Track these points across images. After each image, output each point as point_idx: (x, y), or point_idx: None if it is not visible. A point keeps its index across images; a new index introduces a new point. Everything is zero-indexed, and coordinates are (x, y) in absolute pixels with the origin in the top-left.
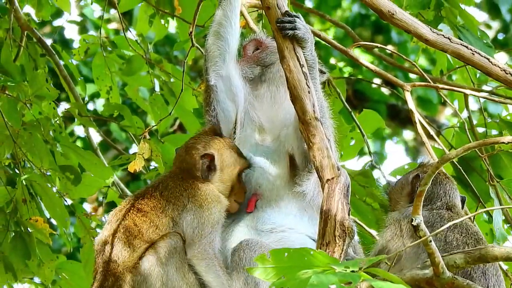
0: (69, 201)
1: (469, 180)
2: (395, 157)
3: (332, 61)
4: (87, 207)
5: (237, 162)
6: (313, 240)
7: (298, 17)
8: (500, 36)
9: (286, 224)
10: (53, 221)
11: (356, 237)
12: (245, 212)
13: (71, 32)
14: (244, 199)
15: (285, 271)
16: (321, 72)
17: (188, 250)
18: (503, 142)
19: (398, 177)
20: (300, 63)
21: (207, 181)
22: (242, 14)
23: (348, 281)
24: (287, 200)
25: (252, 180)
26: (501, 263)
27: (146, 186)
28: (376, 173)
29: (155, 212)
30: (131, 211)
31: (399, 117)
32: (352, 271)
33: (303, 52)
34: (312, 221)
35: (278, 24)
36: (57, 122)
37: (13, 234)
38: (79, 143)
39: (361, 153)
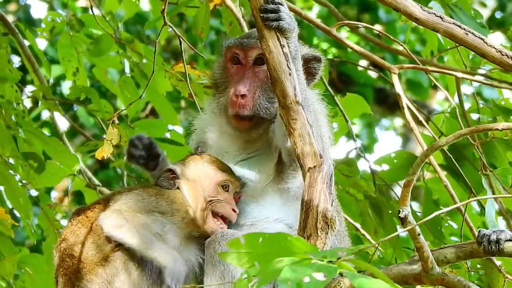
0: (34, 191)
1: (460, 170)
2: (384, 144)
3: (315, 41)
4: (55, 195)
5: (213, 173)
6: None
7: (281, 4)
8: (498, 15)
9: (270, 215)
10: (16, 212)
11: (345, 229)
12: None
13: (39, 11)
14: (229, 215)
15: (260, 258)
16: (316, 59)
17: (105, 219)
18: (497, 129)
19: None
20: (280, 43)
21: (176, 189)
22: None
23: (324, 273)
24: (272, 193)
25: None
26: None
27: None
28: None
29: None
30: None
31: (387, 102)
32: (330, 262)
33: (287, 43)
34: (297, 212)
35: (261, 15)
36: (20, 106)
37: None
38: (45, 129)
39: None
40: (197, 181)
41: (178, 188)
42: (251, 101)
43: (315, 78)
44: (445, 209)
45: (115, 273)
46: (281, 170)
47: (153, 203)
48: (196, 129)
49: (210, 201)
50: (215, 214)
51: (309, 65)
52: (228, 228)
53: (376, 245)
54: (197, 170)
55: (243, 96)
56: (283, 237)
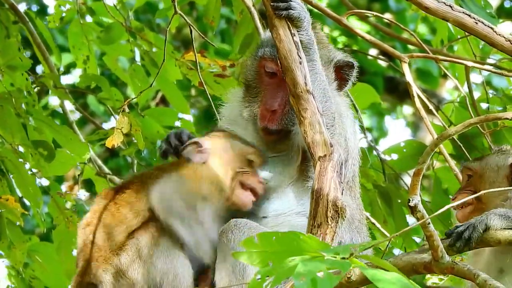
0: (44, 180)
1: (470, 159)
2: (394, 133)
3: (325, 30)
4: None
5: (240, 146)
6: None
7: None
8: (507, 4)
9: (292, 208)
10: (26, 200)
11: (365, 226)
12: None
13: None
14: (261, 192)
15: (273, 256)
16: (349, 65)
17: (163, 214)
18: (507, 118)
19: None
20: (291, 32)
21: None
22: None
23: (338, 268)
24: (296, 191)
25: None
26: None
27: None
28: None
29: (135, 188)
30: (118, 192)
31: (398, 91)
32: (343, 258)
33: (298, 32)
34: None
35: (271, 4)
36: (30, 94)
37: None
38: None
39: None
40: (225, 154)
41: (205, 162)
42: (280, 116)
43: (347, 84)
44: (457, 202)
45: (129, 262)
46: (304, 170)
47: (195, 188)
48: (223, 118)
49: (238, 172)
50: (243, 185)
51: (341, 71)
52: (252, 218)
53: (389, 238)
54: (224, 143)
55: (274, 111)
56: (296, 235)
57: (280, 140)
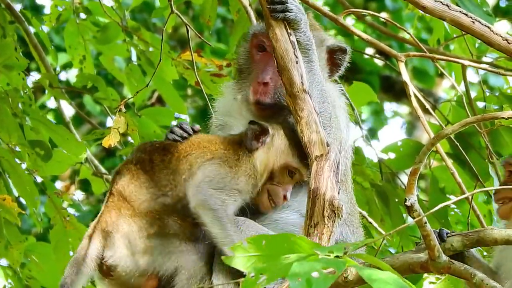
0: (39, 179)
1: (467, 158)
2: (390, 132)
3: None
4: (60, 185)
5: (288, 153)
6: None
7: None
8: (502, 3)
9: (287, 205)
10: (22, 200)
11: (358, 221)
12: None
13: None
14: (279, 202)
15: (265, 260)
16: (341, 50)
17: (193, 197)
18: (503, 118)
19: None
20: (287, 32)
21: (251, 151)
22: None
23: (332, 268)
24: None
25: None
26: None
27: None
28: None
29: (178, 155)
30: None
31: (394, 90)
32: (337, 257)
33: (295, 33)
34: None
35: (268, 6)
36: (27, 93)
37: None
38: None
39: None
40: (275, 155)
41: (254, 151)
42: (272, 90)
43: (340, 69)
44: (454, 199)
45: (155, 231)
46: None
47: (233, 181)
48: (216, 111)
49: (272, 180)
50: (268, 193)
51: (334, 56)
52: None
53: (383, 237)
54: (281, 144)
55: (265, 84)
56: (287, 237)
57: (274, 117)
